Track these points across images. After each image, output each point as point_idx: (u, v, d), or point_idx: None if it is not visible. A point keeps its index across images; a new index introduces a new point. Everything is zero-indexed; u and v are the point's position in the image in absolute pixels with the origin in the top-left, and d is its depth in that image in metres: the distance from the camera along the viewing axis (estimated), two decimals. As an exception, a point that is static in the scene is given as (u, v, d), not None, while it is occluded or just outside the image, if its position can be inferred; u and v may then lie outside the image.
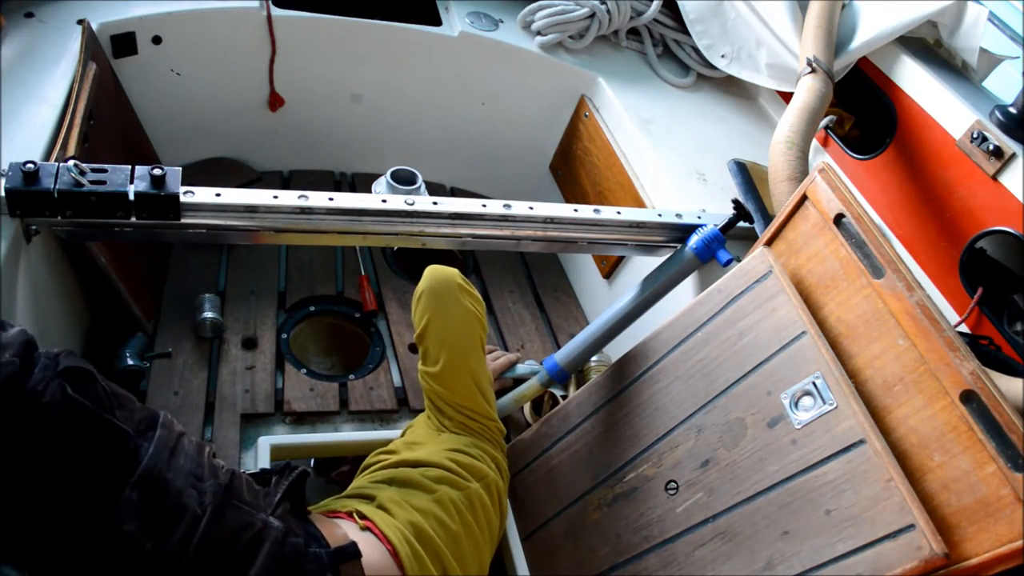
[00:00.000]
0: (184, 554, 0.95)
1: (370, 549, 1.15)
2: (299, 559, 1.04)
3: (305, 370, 2.01)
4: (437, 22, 2.41)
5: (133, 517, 0.93)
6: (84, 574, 0.93)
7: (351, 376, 2.03)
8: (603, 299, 2.36)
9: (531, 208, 1.65)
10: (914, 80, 1.92)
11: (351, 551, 1.10)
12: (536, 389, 1.89)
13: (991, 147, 1.65)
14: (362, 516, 1.23)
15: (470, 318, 1.48)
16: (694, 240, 1.69)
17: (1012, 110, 1.69)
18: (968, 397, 1.13)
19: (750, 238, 1.70)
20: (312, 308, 2.21)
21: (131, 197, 1.36)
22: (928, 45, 2.02)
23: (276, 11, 2.21)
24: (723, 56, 2.43)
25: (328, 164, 2.67)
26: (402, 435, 1.55)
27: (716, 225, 1.71)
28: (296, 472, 1.18)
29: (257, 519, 1.03)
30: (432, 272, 1.50)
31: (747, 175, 1.95)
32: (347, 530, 1.18)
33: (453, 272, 1.51)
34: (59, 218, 1.36)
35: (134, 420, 1.01)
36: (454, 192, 2.75)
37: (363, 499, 1.32)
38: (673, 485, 1.45)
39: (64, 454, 0.92)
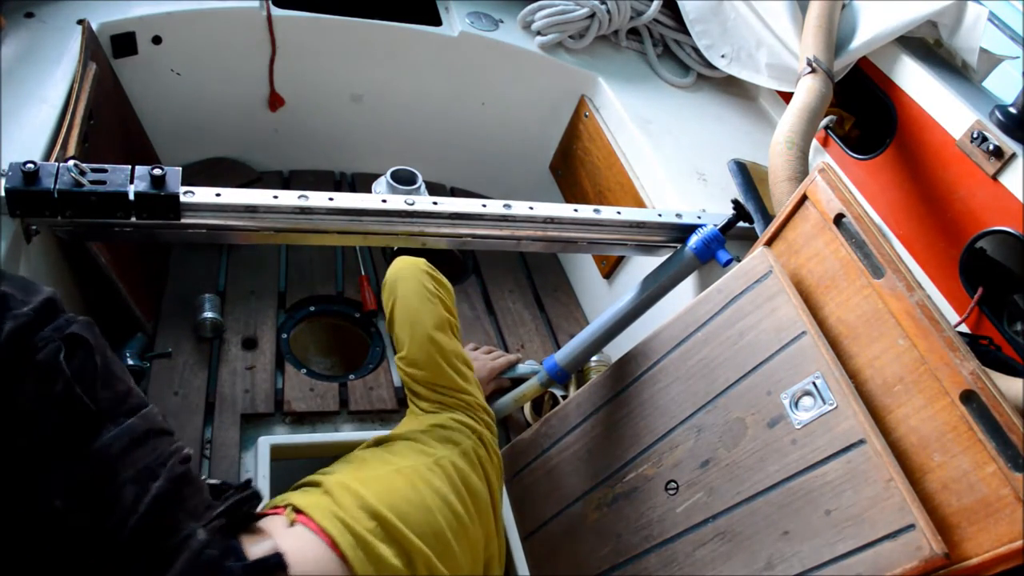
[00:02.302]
0: (105, 543, 0.94)
1: (303, 547, 1.06)
2: (215, 573, 0.99)
3: (305, 370, 2.01)
4: (437, 22, 2.41)
5: (62, 493, 0.92)
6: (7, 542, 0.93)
7: (351, 376, 2.03)
8: (603, 299, 2.36)
9: (531, 208, 1.65)
10: (914, 80, 1.92)
11: (273, 562, 1.02)
12: (536, 389, 1.89)
13: (991, 147, 1.66)
14: (297, 510, 1.13)
15: (432, 298, 1.48)
16: (694, 240, 1.69)
17: (1012, 110, 1.69)
18: (968, 397, 1.13)
19: (750, 238, 1.70)
20: (312, 308, 2.21)
21: (131, 197, 1.36)
22: (928, 45, 2.02)
23: (276, 11, 2.21)
24: (723, 56, 2.43)
25: (328, 164, 2.67)
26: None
27: (716, 225, 1.71)
28: (244, 493, 1.11)
29: (186, 528, 1.00)
30: (396, 262, 1.52)
31: (747, 175, 1.95)
32: (275, 532, 1.09)
33: (417, 260, 1.52)
34: (59, 218, 1.35)
35: (114, 402, 1.01)
36: (454, 192, 2.75)
37: (310, 487, 1.23)
38: (673, 485, 1.45)
39: (22, 411, 0.92)
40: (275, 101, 2.40)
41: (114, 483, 0.96)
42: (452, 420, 1.38)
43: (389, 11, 2.35)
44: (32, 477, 0.93)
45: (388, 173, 2.02)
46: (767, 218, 1.70)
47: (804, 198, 1.45)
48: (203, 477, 1.12)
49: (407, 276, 1.50)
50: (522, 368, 2.05)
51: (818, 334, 1.31)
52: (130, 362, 1.80)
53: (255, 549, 1.04)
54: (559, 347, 2.02)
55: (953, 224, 1.75)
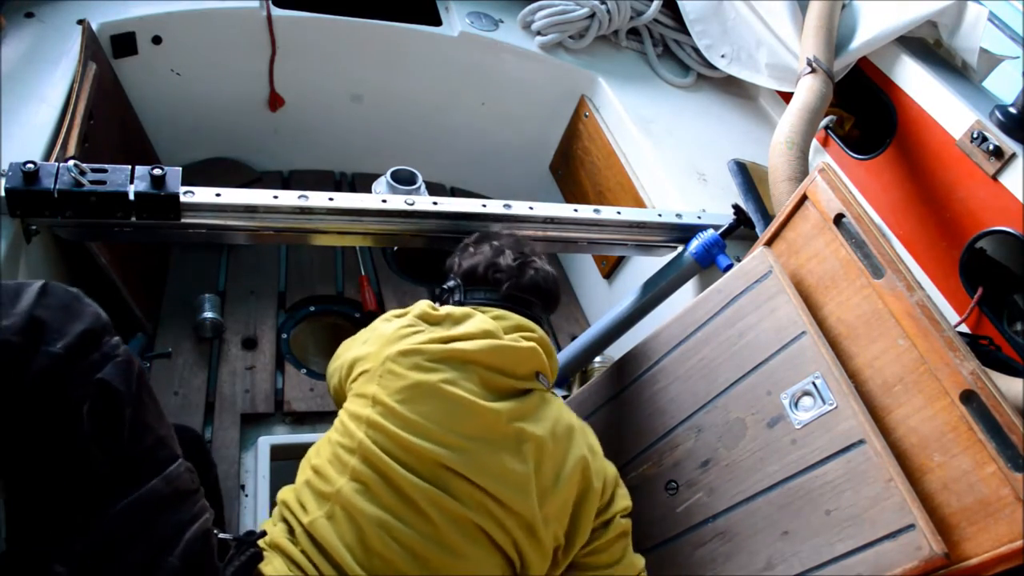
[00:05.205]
0: None
1: None
2: None
3: (305, 370, 2.01)
4: (437, 22, 2.41)
5: (68, 560, 0.91)
6: None
7: (351, 376, 2.03)
8: (603, 299, 2.36)
9: (531, 208, 1.65)
10: (914, 80, 1.92)
11: None
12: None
13: (991, 147, 1.65)
14: None
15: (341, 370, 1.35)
16: (694, 245, 1.69)
17: (1012, 110, 1.69)
18: (968, 397, 1.13)
19: (750, 238, 1.70)
20: (312, 308, 2.21)
21: (131, 197, 1.36)
22: (928, 45, 2.02)
23: (276, 11, 2.21)
24: (723, 56, 2.43)
25: (328, 164, 2.68)
26: None
27: (716, 229, 1.71)
28: (245, 556, 1.08)
29: None
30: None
31: (747, 175, 1.95)
32: None
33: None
34: (59, 218, 1.36)
35: (140, 459, 0.97)
36: (454, 192, 2.75)
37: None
38: (673, 485, 1.45)
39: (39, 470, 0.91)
40: (275, 101, 2.40)
41: (124, 555, 0.93)
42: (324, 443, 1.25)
43: (389, 11, 2.35)
44: (42, 538, 0.91)
45: (388, 173, 2.02)
46: (767, 218, 1.70)
47: (804, 198, 1.45)
48: (216, 532, 1.08)
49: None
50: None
51: (818, 334, 1.31)
52: (130, 362, 1.80)
53: None
54: (559, 348, 2.02)
55: (953, 224, 1.75)
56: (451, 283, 1.38)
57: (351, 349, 1.29)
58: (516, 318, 1.29)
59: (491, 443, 1.15)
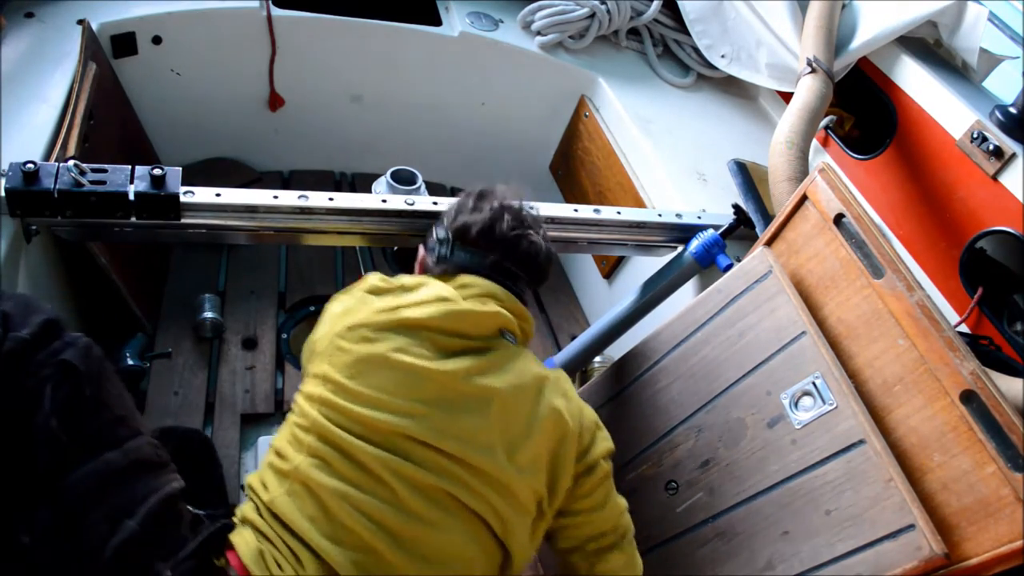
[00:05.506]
0: None
1: None
2: None
3: (305, 370, 2.01)
4: (437, 22, 2.41)
5: (30, 529, 0.94)
6: None
7: (351, 376, 2.02)
8: (603, 299, 2.36)
9: (531, 208, 1.65)
10: (914, 80, 1.92)
11: None
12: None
13: (991, 147, 1.66)
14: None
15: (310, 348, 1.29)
16: (694, 245, 1.69)
17: (1012, 110, 1.69)
18: (968, 397, 1.13)
19: (750, 238, 1.70)
20: (312, 308, 2.21)
21: (131, 197, 1.36)
22: (928, 45, 2.02)
23: (276, 11, 2.21)
24: (723, 56, 2.43)
25: (328, 164, 2.67)
26: None
27: (716, 229, 1.71)
28: (215, 527, 1.10)
29: (154, 570, 1.00)
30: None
31: (747, 175, 1.95)
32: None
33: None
34: (59, 218, 1.36)
35: (99, 434, 1.01)
36: (454, 192, 2.75)
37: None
38: (673, 485, 1.45)
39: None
40: (275, 101, 2.40)
41: (83, 521, 0.96)
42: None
43: (389, 11, 2.35)
44: (5, 510, 0.94)
45: (388, 173, 2.03)
46: (767, 218, 1.70)
47: (804, 198, 1.45)
48: (189, 509, 1.11)
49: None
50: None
51: (818, 334, 1.31)
52: (130, 362, 1.80)
53: None
54: (559, 347, 2.02)
55: (953, 224, 1.75)
56: (441, 234, 1.34)
57: (312, 335, 1.28)
58: (485, 285, 1.25)
59: (450, 404, 1.13)
